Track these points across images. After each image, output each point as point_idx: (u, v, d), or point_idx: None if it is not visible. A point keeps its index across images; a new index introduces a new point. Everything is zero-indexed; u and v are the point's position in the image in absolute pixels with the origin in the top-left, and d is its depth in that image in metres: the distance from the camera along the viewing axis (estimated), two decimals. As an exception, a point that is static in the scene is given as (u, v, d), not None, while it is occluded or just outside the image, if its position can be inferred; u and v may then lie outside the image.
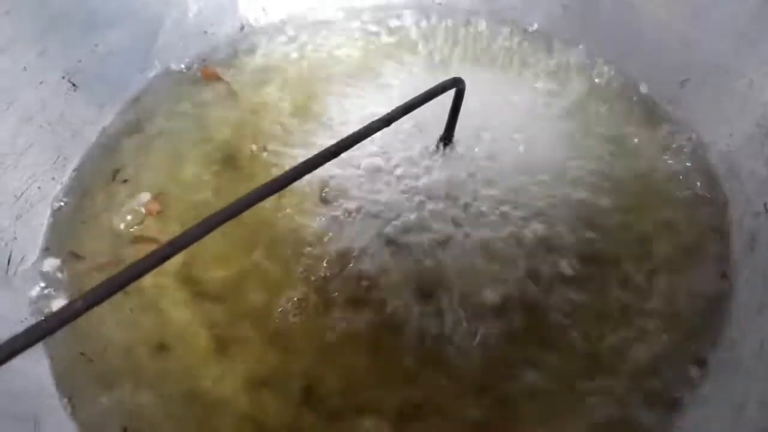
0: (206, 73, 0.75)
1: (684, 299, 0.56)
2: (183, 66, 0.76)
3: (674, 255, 0.59)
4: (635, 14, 0.73)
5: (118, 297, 0.55)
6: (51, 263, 0.58)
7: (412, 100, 0.52)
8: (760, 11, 0.62)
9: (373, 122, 0.49)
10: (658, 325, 0.55)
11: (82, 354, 0.54)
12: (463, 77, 0.57)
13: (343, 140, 0.47)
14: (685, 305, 0.56)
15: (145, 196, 0.63)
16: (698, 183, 0.64)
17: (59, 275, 0.58)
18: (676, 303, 0.56)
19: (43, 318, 0.33)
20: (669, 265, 0.58)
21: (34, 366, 0.52)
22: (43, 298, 0.56)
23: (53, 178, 0.63)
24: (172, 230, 0.60)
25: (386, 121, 0.50)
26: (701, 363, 0.52)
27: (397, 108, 0.51)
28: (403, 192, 0.62)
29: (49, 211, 0.62)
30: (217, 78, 0.74)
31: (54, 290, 0.57)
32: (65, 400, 0.51)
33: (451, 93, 0.57)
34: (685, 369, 0.52)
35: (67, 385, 0.52)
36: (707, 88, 0.67)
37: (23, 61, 0.61)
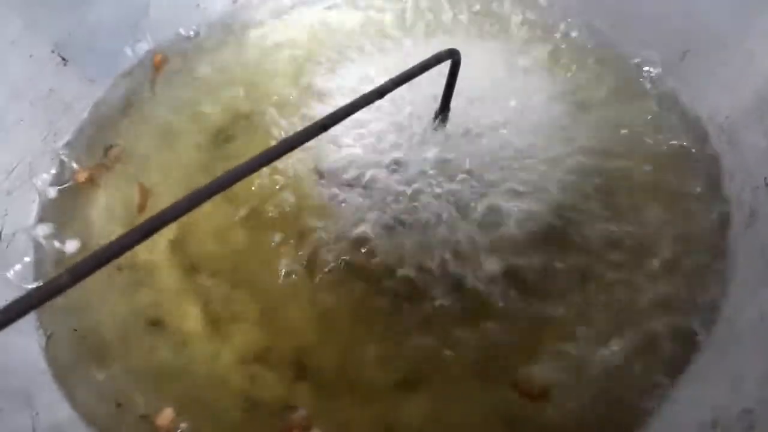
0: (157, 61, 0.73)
1: (682, 274, 0.56)
2: (178, 35, 0.75)
3: (673, 230, 0.58)
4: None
5: (112, 273, 0.55)
6: (43, 238, 0.57)
7: (406, 71, 0.51)
8: (761, -18, 0.61)
9: (366, 94, 0.48)
10: (656, 301, 0.54)
11: (75, 330, 0.53)
12: (458, 50, 0.56)
13: (335, 112, 0.46)
14: (683, 280, 0.55)
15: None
16: (698, 156, 0.63)
17: (51, 248, 0.57)
18: (674, 278, 0.55)
19: (31, 290, 0.32)
20: (667, 241, 0.58)
21: (27, 342, 0.52)
22: (35, 272, 0.56)
23: (44, 154, 0.63)
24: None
25: (379, 93, 0.49)
26: (700, 337, 0.52)
27: (392, 79, 0.50)
28: (398, 165, 0.61)
29: (40, 187, 0.61)
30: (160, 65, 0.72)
31: (45, 264, 0.57)
32: (58, 376, 0.51)
33: (445, 67, 0.56)
34: (685, 342, 0.52)
35: (59, 361, 0.52)
36: (707, 60, 0.65)
37: (11, 34, 0.59)
